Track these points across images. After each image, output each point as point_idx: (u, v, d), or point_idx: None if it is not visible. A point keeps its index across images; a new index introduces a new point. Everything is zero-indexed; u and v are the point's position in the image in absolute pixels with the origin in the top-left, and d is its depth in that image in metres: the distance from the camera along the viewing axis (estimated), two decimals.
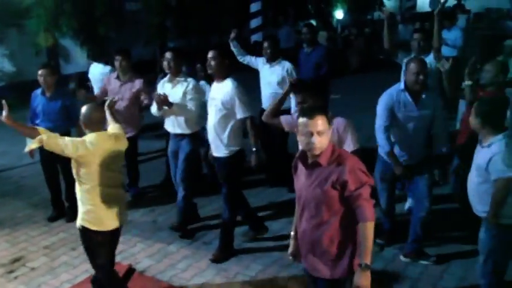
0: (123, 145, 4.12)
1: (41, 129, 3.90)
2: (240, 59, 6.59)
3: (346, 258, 3.13)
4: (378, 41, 15.89)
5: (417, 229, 4.75)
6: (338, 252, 3.14)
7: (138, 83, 6.17)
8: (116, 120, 4.34)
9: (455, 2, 17.83)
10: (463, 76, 5.20)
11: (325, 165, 3.04)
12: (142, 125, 6.87)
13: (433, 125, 4.60)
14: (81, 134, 4.11)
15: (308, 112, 3.04)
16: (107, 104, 4.33)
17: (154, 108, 5.36)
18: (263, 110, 6.20)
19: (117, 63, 6.18)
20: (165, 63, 5.32)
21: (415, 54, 5.90)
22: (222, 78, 4.80)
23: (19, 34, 11.16)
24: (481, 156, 3.71)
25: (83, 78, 6.63)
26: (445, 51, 9.09)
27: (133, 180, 6.57)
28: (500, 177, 3.56)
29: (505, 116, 3.70)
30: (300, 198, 3.23)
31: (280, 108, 4.40)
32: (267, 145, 6.53)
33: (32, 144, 3.85)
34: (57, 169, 5.85)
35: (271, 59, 6.23)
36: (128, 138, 6.05)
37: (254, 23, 15.59)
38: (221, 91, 4.76)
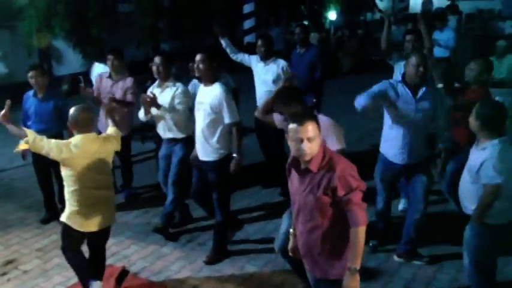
0: (112, 147, 4.13)
1: (28, 131, 3.95)
2: (233, 56, 6.52)
3: (343, 260, 3.15)
4: (371, 42, 15.97)
5: (411, 231, 4.76)
6: (334, 254, 3.18)
7: (129, 82, 6.18)
8: (115, 123, 4.38)
9: (449, 3, 17.91)
10: (456, 76, 5.25)
11: (315, 171, 3.04)
12: (137, 126, 6.86)
13: (435, 117, 4.58)
14: (71, 135, 4.14)
15: (298, 118, 3.03)
16: (105, 107, 4.36)
17: (141, 113, 5.35)
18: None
19: (109, 63, 6.20)
20: (154, 68, 5.31)
21: (403, 53, 5.98)
22: (211, 82, 4.76)
23: (11, 35, 11.11)
24: (474, 157, 3.72)
25: (76, 79, 6.59)
26: (437, 52, 9.14)
27: (127, 182, 6.56)
28: (488, 183, 3.59)
29: (505, 121, 3.68)
30: (295, 202, 3.25)
31: (273, 105, 4.35)
32: (264, 145, 6.54)
33: (20, 145, 4.00)
34: (49, 171, 5.82)
35: (265, 57, 6.20)
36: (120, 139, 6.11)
37: (247, 24, 15.60)
38: (209, 95, 4.72)
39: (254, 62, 6.37)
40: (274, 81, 6.05)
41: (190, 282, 4.69)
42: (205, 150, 4.82)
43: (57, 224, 5.68)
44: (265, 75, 6.21)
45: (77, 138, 3.97)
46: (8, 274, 4.87)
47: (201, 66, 4.70)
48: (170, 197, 5.42)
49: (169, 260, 5.06)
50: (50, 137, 4.07)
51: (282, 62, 6.16)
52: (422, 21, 5.69)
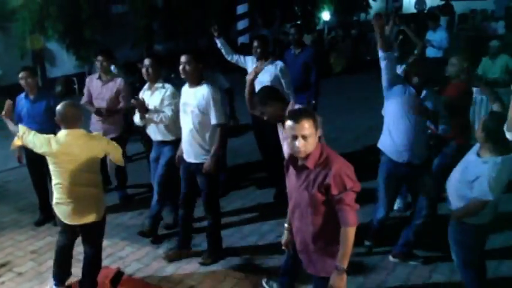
0: (100, 146, 4.15)
1: (20, 126, 4.16)
2: (228, 57, 6.45)
3: (335, 258, 3.15)
4: (364, 43, 16.03)
5: (410, 234, 4.76)
6: (327, 252, 3.21)
7: (118, 83, 6.18)
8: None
9: (442, 3, 18.01)
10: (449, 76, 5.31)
11: (312, 168, 3.07)
12: (132, 127, 6.83)
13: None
14: None
15: (294, 115, 3.06)
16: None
17: (137, 118, 5.34)
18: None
19: (98, 64, 6.19)
20: (143, 70, 5.30)
21: (397, 54, 6.03)
22: (196, 83, 4.70)
23: (4, 37, 11.07)
24: (473, 166, 3.68)
25: (69, 81, 6.60)
26: (431, 52, 9.19)
27: (121, 183, 6.55)
28: (480, 198, 3.61)
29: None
30: (291, 198, 3.30)
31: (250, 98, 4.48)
32: (262, 145, 6.52)
33: (14, 141, 4.18)
34: (44, 172, 5.79)
35: (262, 58, 6.11)
36: (112, 139, 6.11)
37: (241, 25, 15.62)
38: (196, 96, 4.66)
39: (250, 63, 6.27)
40: (271, 82, 6.00)
41: (186, 284, 4.68)
42: (194, 152, 4.75)
43: (52, 226, 5.69)
44: (262, 76, 6.14)
45: (61, 134, 4.05)
46: (2, 277, 4.84)
47: (187, 67, 4.62)
48: (155, 197, 5.45)
49: (164, 262, 5.04)
50: None
51: (279, 63, 6.09)
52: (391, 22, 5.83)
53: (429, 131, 4.81)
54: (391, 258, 4.90)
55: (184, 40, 13.40)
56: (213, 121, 4.65)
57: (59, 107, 4.08)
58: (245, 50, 11.88)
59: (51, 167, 4.10)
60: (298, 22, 15.15)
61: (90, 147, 4.08)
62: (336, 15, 18.75)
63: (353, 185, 3.04)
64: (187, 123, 4.74)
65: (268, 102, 4.03)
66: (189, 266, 4.95)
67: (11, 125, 4.39)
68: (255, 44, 6.12)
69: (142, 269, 4.93)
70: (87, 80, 6.44)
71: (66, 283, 4.57)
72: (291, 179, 3.26)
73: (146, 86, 5.39)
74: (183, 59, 4.63)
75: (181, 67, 4.64)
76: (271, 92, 4.18)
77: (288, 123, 3.05)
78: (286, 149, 4.12)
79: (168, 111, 5.12)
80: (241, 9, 15.49)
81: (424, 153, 4.64)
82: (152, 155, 5.56)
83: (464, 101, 5.44)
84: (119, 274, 4.71)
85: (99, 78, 6.23)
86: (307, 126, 3.00)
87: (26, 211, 6.24)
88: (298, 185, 3.16)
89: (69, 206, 4.14)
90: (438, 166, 5.35)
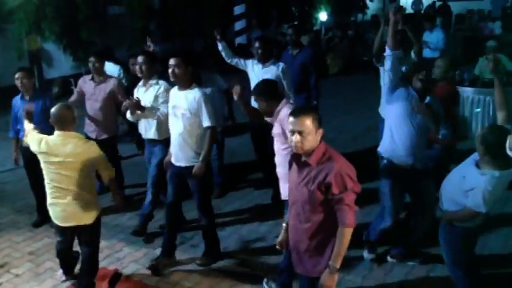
0: (89, 154, 4.12)
1: (28, 125, 4.45)
2: (228, 60, 6.43)
3: (325, 259, 3.21)
4: (361, 43, 16.04)
5: (408, 235, 4.78)
6: (318, 252, 3.24)
7: (111, 83, 6.18)
8: None
9: (440, 3, 18.04)
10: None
11: (314, 165, 3.10)
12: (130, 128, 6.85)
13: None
14: None
15: (295, 111, 3.16)
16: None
17: (128, 113, 5.34)
18: None
19: (90, 65, 6.20)
20: (136, 68, 5.30)
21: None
22: (186, 86, 4.67)
23: (1, 38, 11.05)
24: (470, 175, 3.66)
25: (66, 82, 6.60)
26: (427, 53, 9.18)
27: (118, 184, 6.53)
28: (472, 209, 3.63)
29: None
30: (290, 195, 3.34)
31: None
32: (258, 147, 6.51)
33: (24, 138, 4.50)
34: (41, 173, 5.79)
35: (263, 59, 6.08)
36: (105, 140, 6.12)
37: (238, 25, 15.62)
38: (187, 99, 4.62)
39: (250, 66, 6.24)
40: None
41: (184, 285, 4.68)
42: (185, 155, 4.71)
43: (49, 227, 5.67)
44: (264, 77, 6.13)
45: (53, 135, 4.11)
46: None
47: (176, 70, 4.56)
48: (149, 197, 5.45)
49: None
50: None
51: (281, 64, 6.05)
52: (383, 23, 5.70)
53: None
54: (389, 258, 4.90)
55: (180, 41, 13.40)
56: (205, 123, 4.63)
57: (53, 109, 4.13)
58: (242, 51, 11.90)
59: (42, 167, 4.18)
60: (295, 23, 15.15)
61: (80, 151, 4.07)
62: (333, 16, 18.77)
63: (353, 186, 3.07)
64: (177, 126, 4.70)
65: (260, 97, 4.12)
66: (187, 267, 4.95)
67: (27, 123, 4.60)
68: (256, 45, 6.09)
69: (140, 270, 4.92)
70: (80, 81, 6.43)
71: (65, 286, 4.63)
72: (293, 176, 3.30)
73: (141, 83, 5.41)
74: (171, 61, 4.57)
75: (170, 70, 4.59)
76: (266, 87, 4.20)
77: (290, 118, 3.12)
78: (276, 144, 4.15)
79: (164, 108, 5.12)
80: (238, 10, 15.50)
81: (423, 157, 4.61)
82: (146, 155, 5.58)
83: (451, 102, 5.45)
84: (116, 275, 4.72)
85: (92, 79, 6.24)
86: (304, 123, 3.05)
87: (24, 212, 6.24)
88: (299, 182, 3.19)
89: (57, 207, 4.18)
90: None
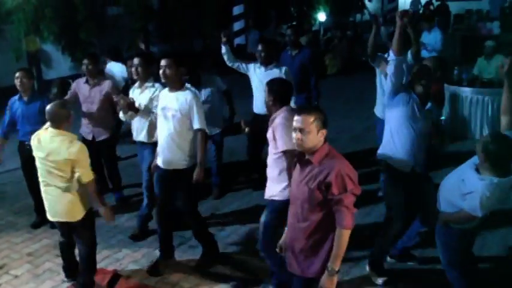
0: (68, 153, 4.08)
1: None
2: (229, 63, 6.39)
3: (319, 259, 3.23)
4: (360, 43, 16.03)
5: (407, 236, 4.77)
6: (313, 252, 3.25)
7: (107, 85, 6.17)
8: None
9: (438, 3, 18.04)
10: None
11: (316, 164, 3.13)
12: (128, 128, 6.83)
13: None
14: None
15: (299, 109, 3.29)
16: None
17: (121, 113, 5.34)
18: (256, 115, 6.19)
19: (84, 67, 6.19)
20: (132, 69, 5.28)
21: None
22: (177, 87, 4.64)
23: None
24: (471, 179, 3.65)
25: (65, 83, 6.59)
26: (424, 53, 9.16)
27: (116, 185, 6.54)
28: (469, 212, 3.63)
29: (510, 161, 3.58)
30: (291, 194, 3.38)
31: None
32: (252, 149, 6.51)
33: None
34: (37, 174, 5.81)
35: (266, 62, 6.06)
36: (103, 142, 6.15)
37: (237, 26, 15.62)
38: (177, 100, 4.59)
39: (252, 69, 6.21)
40: None
41: (183, 285, 4.67)
42: (174, 157, 4.67)
43: (48, 228, 5.68)
44: (267, 79, 6.07)
45: (47, 132, 4.18)
46: None
47: (167, 71, 4.54)
48: (145, 201, 5.49)
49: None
50: None
51: (283, 67, 6.02)
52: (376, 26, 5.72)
53: None
54: (388, 258, 4.90)
55: (180, 42, 13.39)
56: (196, 126, 4.61)
57: (48, 106, 4.18)
58: (241, 51, 11.89)
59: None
60: (294, 23, 15.14)
61: (62, 149, 4.08)
62: (331, 16, 18.76)
63: (353, 188, 3.08)
64: (166, 128, 4.65)
65: (270, 93, 4.14)
66: (186, 268, 4.95)
67: None
68: (259, 47, 6.06)
69: (139, 271, 4.92)
70: (74, 84, 6.39)
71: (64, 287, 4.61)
72: (295, 174, 3.34)
73: (136, 84, 5.39)
74: (163, 62, 4.54)
75: (161, 71, 4.56)
76: (280, 88, 4.19)
77: (294, 116, 3.20)
78: (269, 147, 4.16)
79: (156, 111, 5.09)
80: (237, 10, 15.49)
81: (423, 162, 4.57)
82: (139, 158, 5.61)
83: (437, 101, 5.43)
84: (115, 276, 4.71)
85: (87, 82, 6.22)
86: (305, 121, 3.10)
87: (22, 213, 6.23)
88: (300, 180, 3.22)
89: (46, 202, 4.33)
90: None
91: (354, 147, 7.73)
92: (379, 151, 4.63)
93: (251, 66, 6.26)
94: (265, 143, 4.26)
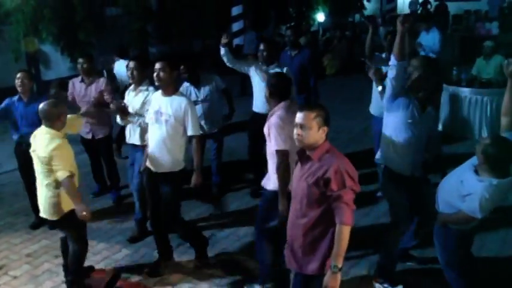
0: (49, 151, 4.11)
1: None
2: (229, 64, 6.40)
3: (318, 257, 3.24)
4: (358, 44, 16.04)
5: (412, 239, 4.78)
6: (312, 249, 3.26)
7: (102, 83, 6.20)
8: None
9: (437, 3, 18.04)
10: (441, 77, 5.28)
11: (316, 160, 3.16)
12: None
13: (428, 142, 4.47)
14: None
15: (301, 106, 3.33)
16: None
17: (118, 117, 5.35)
18: (255, 114, 6.19)
19: (79, 66, 6.21)
20: (128, 73, 5.28)
21: (386, 55, 6.04)
22: (171, 91, 4.60)
23: None
24: (470, 180, 3.65)
25: (63, 83, 6.59)
26: (422, 53, 9.15)
27: (114, 184, 6.54)
28: (468, 213, 3.63)
29: (509, 164, 3.58)
30: (292, 190, 3.41)
31: None
32: (253, 149, 6.50)
33: None
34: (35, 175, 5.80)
35: (268, 62, 6.06)
36: (101, 140, 6.22)
37: (236, 26, 15.61)
38: (171, 105, 4.55)
39: (253, 70, 6.21)
40: None
41: (182, 286, 4.67)
42: (165, 161, 4.63)
43: (47, 229, 5.66)
44: None
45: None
46: None
47: (161, 74, 4.49)
48: (137, 204, 5.51)
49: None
50: None
51: (285, 68, 6.02)
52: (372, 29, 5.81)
53: None
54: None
55: (178, 42, 13.38)
56: (190, 133, 4.59)
57: (40, 105, 4.24)
58: (240, 51, 11.86)
59: None
60: (292, 24, 15.14)
61: (43, 146, 4.13)
62: (330, 17, 18.76)
63: (353, 184, 3.09)
64: (159, 132, 4.61)
65: (268, 87, 4.22)
66: (186, 269, 4.94)
67: None
68: (261, 47, 6.08)
69: (138, 272, 4.91)
70: (70, 85, 6.39)
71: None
72: (296, 171, 3.37)
73: (132, 87, 5.38)
74: (157, 65, 4.52)
75: (155, 74, 4.53)
76: (278, 82, 4.23)
77: (297, 113, 3.25)
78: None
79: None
80: (236, 10, 15.48)
81: (420, 165, 4.53)
82: (129, 160, 5.60)
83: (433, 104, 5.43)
84: (114, 277, 4.71)
85: (82, 81, 6.25)
86: (307, 117, 3.15)
87: (21, 214, 6.22)
88: (300, 176, 3.26)
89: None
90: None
91: (353, 148, 7.74)
92: (378, 155, 4.61)
93: (252, 66, 6.27)
94: (265, 141, 4.27)
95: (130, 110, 5.21)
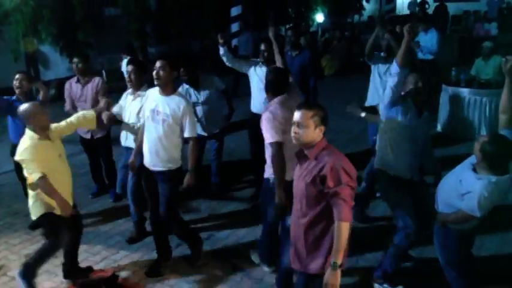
0: (20, 151, 4.17)
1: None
2: (229, 64, 6.39)
3: (321, 255, 3.24)
4: (357, 44, 16.06)
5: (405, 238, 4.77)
6: (314, 248, 3.26)
7: (97, 82, 6.21)
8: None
9: (437, 3, 18.07)
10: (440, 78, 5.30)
11: (312, 158, 3.18)
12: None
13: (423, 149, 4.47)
14: None
15: (299, 104, 3.35)
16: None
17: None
18: (253, 115, 6.18)
19: (74, 66, 6.21)
20: (126, 77, 5.28)
21: (384, 54, 6.08)
22: (169, 91, 4.58)
23: None
24: (468, 179, 3.65)
25: (62, 84, 6.60)
26: (420, 55, 9.18)
27: (113, 183, 6.54)
28: (467, 212, 3.63)
29: (508, 160, 3.58)
30: (294, 190, 3.41)
31: None
32: (255, 148, 6.50)
33: None
34: None
35: (269, 62, 5.96)
36: (100, 139, 6.24)
37: (235, 27, 15.61)
38: (169, 105, 4.53)
39: (253, 69, 6.20)
40: None
41: (182, 286, 4.67)
42: (161, 160, 4.61)
43: None
44: None
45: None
46: None
47: (161, 72, 4.46)
48: (131, 207, 5.50)
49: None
50: None
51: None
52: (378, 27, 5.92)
53: None
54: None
55: (177, 43, 13.39)
56: (186, 134, 4.58)
57: (21, 106, 4.27)
58: (236, 52, 11.82)
59: None
60: (291, 24, 15.16)
61: (19, 151, 4.17)
62: (329, 17, 18.79)
63: (349, 180, 3.08)
64: (155, 131, 4.59)
65: (265, 81, 4.33)
66: (184, 269, 4.94)
67: None
68: (262, 47, 6.05)
69: (137, 272, 4.91)
70: (66, 86, 6.37)
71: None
72: (296, 170, 3.38)
73: (130, 90, 5.37)
74: (157, 63, 4.49)
75: (154, 72, 4.49)
76: (273, 77, 4.33)
77: (295, 111, 3.27)
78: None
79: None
80: (235, 11, 15.49)
81: (417, 168, 4.54)
82: (123, 162, 5.59)
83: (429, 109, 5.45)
84: (113, 277, 4.70)
85: (78, 81, 6.25)
86: (304, 116, 3.17)
87: (20, 215, 6.21)
88: (299, 176, 3.28)
89: None
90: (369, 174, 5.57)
91: (352, 148, 7.74)
92: (376, 161, 4.59)
93: (251, 66, 6.26)
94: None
95: (127, 114, 5.23)
